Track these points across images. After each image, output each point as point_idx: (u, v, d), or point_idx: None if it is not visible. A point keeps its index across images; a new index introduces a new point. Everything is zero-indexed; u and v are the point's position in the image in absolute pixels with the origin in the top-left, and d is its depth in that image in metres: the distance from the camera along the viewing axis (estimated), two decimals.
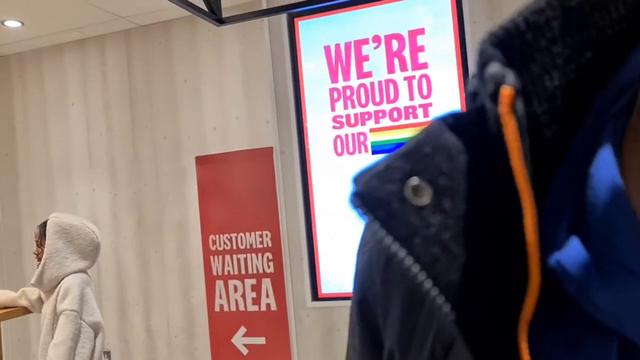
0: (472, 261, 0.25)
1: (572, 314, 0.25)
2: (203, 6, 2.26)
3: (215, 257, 3.02)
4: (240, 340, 2.98)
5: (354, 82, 2.67)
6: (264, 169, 2.98)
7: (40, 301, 2.57)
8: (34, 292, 2.61)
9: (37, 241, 2.49)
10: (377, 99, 2.62)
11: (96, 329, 2.40)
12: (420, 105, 2.57)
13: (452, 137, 0.26)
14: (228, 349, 3.02)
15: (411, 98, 2.57)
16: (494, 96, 0.24)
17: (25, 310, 2.69)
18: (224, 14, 2.44)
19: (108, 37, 3.71)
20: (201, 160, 3.17)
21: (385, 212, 0.26)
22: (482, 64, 0.25)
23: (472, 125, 0.26)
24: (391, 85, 2.61)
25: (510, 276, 0.25)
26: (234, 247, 2.99)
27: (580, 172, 0.25)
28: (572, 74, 0.26)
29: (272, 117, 3.01)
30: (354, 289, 0.34)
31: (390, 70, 2.62)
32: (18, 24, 3.42)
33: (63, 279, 2.37)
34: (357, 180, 0.27)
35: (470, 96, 0.27)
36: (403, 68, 2.59)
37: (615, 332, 0.23)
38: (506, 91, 0.24)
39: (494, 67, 0.25)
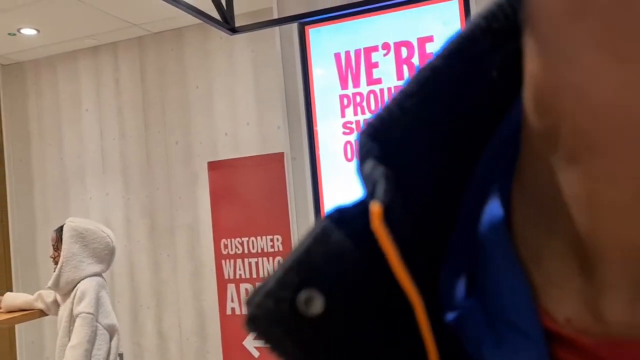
0: (371, 357, 0.26)
1: None
2: (216, 14, 2.31)
3: (227, 260, 3.06)
4: (251, 343, 3.01)
5: (364, 88, 2.70)
6: (275, 174, 3.02)
7: (56, 304, 2.61)
8: (49, 295, 2.66)
9: (53, 245, 2.54)
10: None
11: (111, 331, 2.45)
12: None
13: (340, 237, 0.25)
14: (239, 351, 3.05)
15: None
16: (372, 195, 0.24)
17: (42, 313, 2.74)
18: (236, 22, 2.49)
19: (121, 44, 3.77)
20: (213, 166, 3.21)
21: (281, 331, 0.25)
22: (362, 157, 0.25)
23: (358, 218, 0.25)
24: None
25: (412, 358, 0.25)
26: (246, 251, 3.03)
27: (472, 234, 0.25)
28: (449, 151, 0.26)
29: (283, 123, 3.04)
30: None
31: (400, 77, 2.65)
32: (33, 32, 3.49)
33: (79, 282, 2.41)
34: (249, 302, 0.25)
35: (362, 181, 0.26)
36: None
37: None
38: (375, 208, 0.23)
39: (368, 167, 0.25)
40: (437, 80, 0.26)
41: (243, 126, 3.43)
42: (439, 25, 2.58)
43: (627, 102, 0.18)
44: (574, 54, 0.18)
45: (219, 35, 3.24)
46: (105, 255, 2.53)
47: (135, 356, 3.68)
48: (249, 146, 3.39)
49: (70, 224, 2.48)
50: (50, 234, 2.66)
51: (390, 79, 2.68)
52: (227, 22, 2.12)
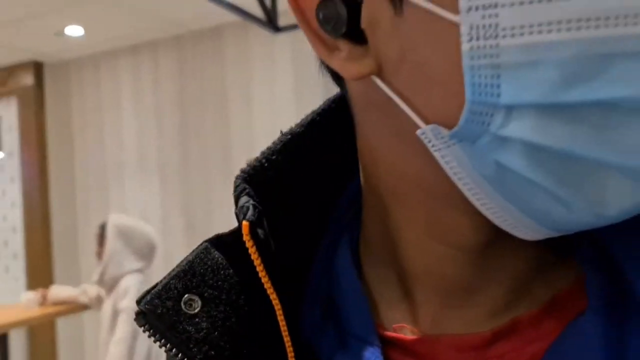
0: (237, 352, 0.32)
1: None
2: (257, 12, 2.32)
3: None
4: None
5: None
6: None
7: (99, 298, 2.70)
8: (93, 290, 2.76)
9: (98, 241, 2.61)
10: None
11: None
12: None
13: (217, 255, 0.34)
14: None
15: None
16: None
17: (85, 307, 2.85)
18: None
19: (160, 42, 3.83)
20: None
21: (165, 326, 0.31)
22: (236, 196, 0.33)
23: (233, 243, 0.33)
24: None
25: (272, 355, 0.32)
26: None
27: (328, 270, 0.35)
28: (307, 198, 0.36)
29: None
30: None
31: None
32: (79, 32, 3.58)
33: (122, 278, 2.49)
34: (139, 302, 0.32)
35: (236, 215, 0.34)
36: None
37: None
38: (245, 223, 0.31)
39: (243, 200, 0.33)
40: (296, 143, 0.36)
41: (283, 125, 3.44)
42: None
43: (403, 167, 0.30)
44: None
45: (259, 32, 3.25)
46: (147, 253, 2.61)
47: None
48: None
49: (114, 221, 2.56)
50: (92, 230, 2.74)
51: None
52: (270, 21, 2.13)
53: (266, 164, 0.35)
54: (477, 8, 0.22)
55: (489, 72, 0.22)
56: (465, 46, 0.22)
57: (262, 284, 0.31)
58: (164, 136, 3.84)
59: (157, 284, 0.33)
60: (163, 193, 3.83)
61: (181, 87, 3.79)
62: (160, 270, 3.73)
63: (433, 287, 0.32)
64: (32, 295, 2.89)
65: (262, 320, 0.32)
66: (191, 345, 0.31)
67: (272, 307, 0.31)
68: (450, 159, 0.25)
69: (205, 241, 0.35)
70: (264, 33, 3.01)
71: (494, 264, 0.31)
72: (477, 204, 0.27)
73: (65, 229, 4.16)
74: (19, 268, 4.26)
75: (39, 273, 4.08)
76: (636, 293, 0.28)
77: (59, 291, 2.89)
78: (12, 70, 4.16)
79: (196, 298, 0.32)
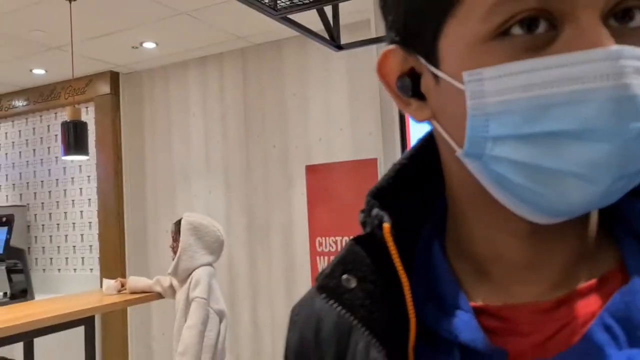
0: (380, 314, 0.44)
1: (436, 338, 0.43)
2: (316, 29, 2.51)
3: (321, 257, 3.29)
4: None
5: None
6: (369, 178, 3.21)
7: (172, 289, 2.91)
8: (166, 280, 2.97)
9: (173, 236, 2.84)
10: None
11: (221, 315, 2.72)
12: None
13: (360, 249, 0.46)
14: None
15: None
16: (380, 226, 0.44)
17: (159, 296, 3.07)
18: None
19: (226, 54, 4.10)
20: (311, 169, 3.46)
21: (335, 294, 0.45)
22: (369, 208, 0.46)
23: (369, 241, 0.46)
24: None
25: (401, 321, 0.43)
26: (339, 249, 3.25)
27: (428, 260, 0.47)
28: (413, 207, 0.48)
29: (376, 129, 3.21)
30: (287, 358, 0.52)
31: None
32: (153, 45, 3.88)
33: (194, 270, 2.69)
34: (317, 279, 0.47)
35: (362, 224, 0.46)
36: None
37: (454, 342, 0.42)
38: (386, 225, 0.43)
39: (375, 211, 0.45)
40: (403, 171, 0.47)
41: (336, 132, 3.64)
42: None
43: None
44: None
45: (316, 47, 3.46)
46: (216, 248, 2.79)
47: (232, 343, 3.97)
48: (341, 151, 3.59)
49: (187, 218, 2.75)
50: (160, 227, 2.97)
51: None
52: (333, 39, 2.33)
53: (385, 185, 0.47)
54: (471, 81, 0.36)
55: (481, 117, 0.36)
56: (468, 103, 0.36)
57: (393, 270, 0.43)
58: (228, 141, 4.10)
59: (326, 268, 0.47)
60: (226, 194, 4.08)
61: (244, 96, 4.04)
62: (224, 264, 3.99)
63: (503, 268, 0.43)
64: (112, 283, 3.15)
65: (392, 294, 0.44)
66: (355, 309, 0.44)
67: (398, 286, 0.43)
68: (473, 170, 0.39)
69: (351, 239, 0.47)
70: (321, 48, 3.22)
71: (545, 247, 0.41)
72: (500, 199, 0.38)
73: (136, 225, 4.47)
74: (93, 260, 4.62)
75: (112, 265, 4.40)
76: None
77: (136, 280, 3.13)
78: (91, 79, 4.53)
79: (352, 278, 0.45)
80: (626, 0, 0.35)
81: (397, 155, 3.04)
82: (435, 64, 0.39)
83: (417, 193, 0.48)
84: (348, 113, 3.60)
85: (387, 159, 3.05)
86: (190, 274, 2.70)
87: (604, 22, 0.34)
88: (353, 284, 0.45)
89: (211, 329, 2.64)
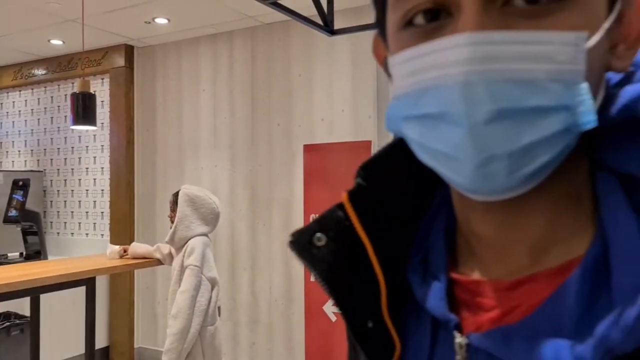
0: (345, 272, 0.47)
1: (416, 303, 0.47)
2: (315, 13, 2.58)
3: None
4: (330, 308, 3.37)
5: None
6: (363, 159, 3.31)
7: (170, 256, 3.07)
8: (165, 248, 3.13)
9: (171, 207, 2.99)
10: None
11: (213, 283, 2.87)
12: None
13: (340, 214, 0.48)
14: (319, 315, 3.42)
15: None
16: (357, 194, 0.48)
17: (158, 262, 3.23)
18: (338, 19, 2.76)
19: (236, 32, 4.20)
20: (308, 148, 3.56)
21: (304, 252, 0.47)
22: (356, 176, 0.49)
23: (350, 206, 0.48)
24: None
25: (370, 281, 0.46)
26: None
27: (427, 234, 0.49)
28: (402, 190, 0.50)
29: (374, 113, 3.30)
30: None
31: None
32: (165, 21, 4.00)
33: (189, 239, 2.83)
34: (292, 235, 0.48)
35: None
36: None
37: (427, 311, 0.45)
38: (344, 194, 0.47)
39: (357, 180, 0.48)
40: (399, 148, 0.48)
41: (339, 113, 3.73)
42: None
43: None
44: None
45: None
46: (212, 219, 2.93)
47: (231, 310, 4.16)
48: (342, 132, 3.68)
49: (185, 190, 2.89)
50: (169, 198, 3.11)
51: None
52: (327, 25, 2.41)
53: (376, 159, 0.49)
54: (391, 66, 0.41)
55: (394, 99, 0.40)
56: (392, 86, 0.41)
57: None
58: (235, 116, 4.22)
59: (302, 227, 0.48)
60: (232, 167, 4.22)
61: (252, 74, 4.14)
62: (226, 236, 4.15)
63: (481, 246, 0.44)
64: (115, 248, 3.33)
65: (363, 257, 0.47)
66: (317, 265, 0.47)
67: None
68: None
69: (335, 205, 0.49)
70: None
71: (508, 226, 0.42)
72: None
73: (146, 194, 4.65)
74: (105, 225, 4.83)
75: (122, 231, 4.59)
76: (612, 271, 0.36)
77: (137, 247, 3.29)
78: (107, 52, 4.67)
79: (323, 237, 0.47)
80: None
81: (390, 138, 3.12)
82: (388, 50, 0.44)
83: (406, 165, 0.49)
84: (350, 96, 3.67)
85: (381, 141, 3.15)
86: (186, 242, 2.85)
87: (504, 2, 0.35)
88: (322, 242, 0.47)
89: (203, 295, 2.79)
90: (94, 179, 4.92)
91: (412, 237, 0.50)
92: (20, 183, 4.47)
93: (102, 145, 4.86)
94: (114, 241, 4.37)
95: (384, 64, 0.46)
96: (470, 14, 0.35)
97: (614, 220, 0.38)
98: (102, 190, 4.85)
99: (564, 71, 0.35)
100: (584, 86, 0.35)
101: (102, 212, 4.85)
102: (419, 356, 0.46)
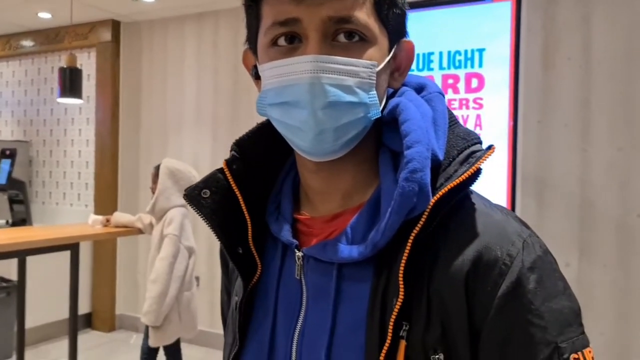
0: (223, 215, 0.68)
1: (275, 239, 0.69)
2: None
3: None
4: None
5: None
6: None
7: (151, 226, 3.22)
8: (147, 218, 3.27)
9: (152, 179, 3.13)
10: None
11: (190, 251, 3.04)
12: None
13: (220, 175, 0.68)
14: None
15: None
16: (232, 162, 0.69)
17: (139, 231, 3.38)
18: None
19: (221, 12, 4.31)
20: None
21: (195, 201, 0.68)
22: (231, 149, 0.70)
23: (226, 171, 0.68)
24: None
25: (241, 222, 0.68)
26: None
27: (281, 188, 0.72)
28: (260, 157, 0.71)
29: None
30: None
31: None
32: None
33: (169, 210, 2.98)
34: (185, 190, 0.69)
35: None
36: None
37: (280, 240, 0.68)
38: (224, 162, 0.68)
39: (232, 152, 0.70)
40: (263, 129, 0.71)
41: None
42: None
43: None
44: None
45: None
46: None
47: (209, 280, 4.34)
48: None
49: (166, 163, 3.02)
50: (151, 170, 3.25)
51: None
52: None
53: (246, 138, 0.71)
54: (261, 70, 0.62)
55: (264, 92, 0.61)
56: (262, 83, 0.63)
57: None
58: (219, 94, 4.35)
59: (195, 184, 0.69)
60: (213, 142, 4.36)
61: (236, 52, 4.26)
62: None
63: (312, 194, 0.67)
64: (98, 218, 3.48)
65: (236, 206, 0.67)
66: (203, 210, 0.67)
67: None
68: None
69: (216, 169, 0.69)
70: None
71: (329, 179, 0.64)
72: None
73: (129, 166, 4.78)
74: (89, 196, 4.97)
75: (106, 201, 4.74)
76: (381, 204, 0.61)
77: (120, 216, 3.43)
78: (94, 26, 4.75)
79: (208, 191, 0.68)
80: (338, 30, 0.58)
81: None
82: (258, 60, 0.64)
83: (274, 147, 0.71)
84: None
85: None
86: (165, 213, 2.99)
87: (333, 39, 0.58)
88: (207, 195, 0.68)
89: (180, 262, 2.94)
90: (79, 151, 5.03)
91: (270, 191, 0.72)
92: (7, 152, 4.58)
93: (88, 118, 4.96)
94: (98, 211, 4.52)
95: (251, 69, 0.66)
96: (314, 44, 0.57)
97: (384, 176, 0.63)
98: (87, 162, 4.97)
99: (364, 82, 0.59)
100: (374, 92, 0.60)
101: (86, 183, 4.98)
102: (273, 269, 0.69)
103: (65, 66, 3.37)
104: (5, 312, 3.92)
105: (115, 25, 4.71)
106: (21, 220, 4.54)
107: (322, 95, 0.56)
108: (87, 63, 4.86)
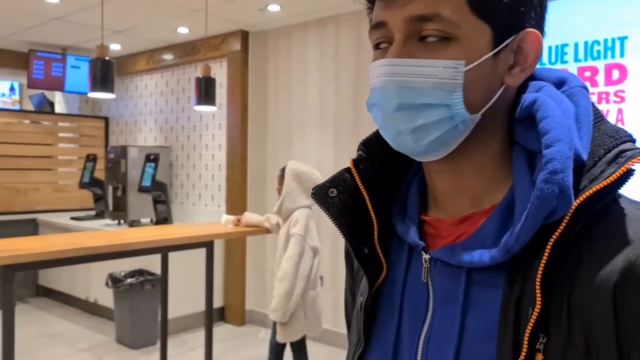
0: (349, 215, 0.68)
1: (401, 239, 0.69)
2: None
3: None
4: None
5: None
6: None
7: (278, 226, 3.36)
8: (274, 218, 3.42)
9: (278, 181, 3.26)
10: None
11: (315, 251, 3.12)
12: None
13: (347, 175, 0.69)
14: None
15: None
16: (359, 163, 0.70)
17: (267, 231, 3.55)
18: None
19: (342, 16, 4.38)
20: None
21: (322, 200, 0.68)
22: (357, 150, 0.70)
23: (353, 170, 0.69)
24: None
25: (367, 222, 0.68)
26: None
27: (407, 190, 0.71)
28: (388, 163, 0.71)
29: None
30: None
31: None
32: (277, 7, 4.28)
33: (295, 210, 3.10)
34: (313, 189, 0.70)
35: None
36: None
37: (406, 241, 0.67)
38: (351, 161, 0.69)
39: (358, 153, 0.70)
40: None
41: None
42: None
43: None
44: None
45: None
46: None
47: (333, 280, 4.42)
48: None
49: (291, 165, 3.14)
50: (277, 172, 3.39)
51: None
52: None
53: (373, 138, 0.70)
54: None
55: (370, 94, 0.64)
56: None
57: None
58: (340, 98, 4.42)
59: (321, 183, 0.70)
60: (336, 145, 4.44)
61: (357, 57, 4.30)
62: None
63: (440, 195, 0.66)
64: (230, 218, 3.70)
65: (362, 206, 0.68)
66: (331, 209, 0.68)
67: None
68: None
69: (343, 169, 0.70)
70: None
71: (457, 180, 0.63)
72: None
73: (258, 169, 5.01)
74: (221, 197, 5.29)
75: (236, 202, 5.01)
76: (515, 207, 0.58)
77: (250, 216, 3.63)
78: (225, 37, 5.06)
79: (335, 190, 0.68)
80: (420, 31, 0.57)
81: None
82: None
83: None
84: None
85: None
86: (292, 213, 3.11)
87: (420, 39, 0.57)
88: (334, 194, 0.69)
89: (306, 262, 3.04)
90: (213, 155, 5.38)
91: (397, 192, 0.72)
92: (152, 157, 5.02)
93: (220, 124, 5.29)
94: (229, 211, 4.79)
95: None
96: (395, 46, 0.58)
97: (518, 177, 0.60)
98: (220, 165, 5.30)
99: (445, 83, 0.57)
100: (458, 94, 0.57)
101: (219, 185, 5.31)
102: (399, 270, 0.68)
103: (200, 76, 3.62)
104: (151, 303, 4.31)
105: (244, 35, 4.97)
106: (163, 219, 4.96)
107: (391, 98, 0.57)
108: (219, 72, 5.19)
